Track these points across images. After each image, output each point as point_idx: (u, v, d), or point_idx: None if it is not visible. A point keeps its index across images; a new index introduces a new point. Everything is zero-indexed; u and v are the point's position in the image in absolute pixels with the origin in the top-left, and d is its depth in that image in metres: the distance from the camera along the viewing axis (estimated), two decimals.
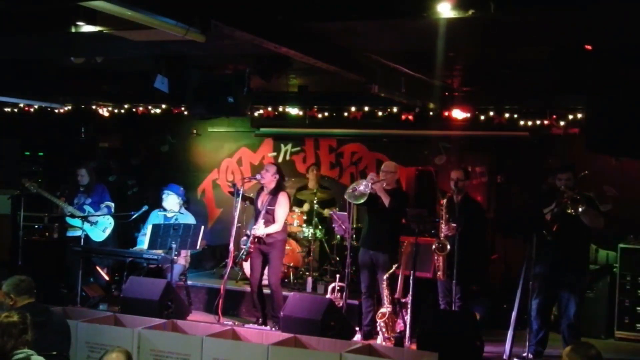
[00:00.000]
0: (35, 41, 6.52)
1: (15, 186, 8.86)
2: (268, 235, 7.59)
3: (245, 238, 7.76)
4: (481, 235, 7.41)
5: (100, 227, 8.67)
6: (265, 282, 8.02)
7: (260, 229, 7.56)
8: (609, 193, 8.55)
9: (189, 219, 8.44)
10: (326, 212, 9.22)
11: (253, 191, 9.57)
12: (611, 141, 6.05)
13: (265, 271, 7.88)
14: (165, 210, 8.41)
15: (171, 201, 8.41)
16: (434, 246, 6.95)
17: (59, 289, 8.93)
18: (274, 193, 7.72)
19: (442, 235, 6.95)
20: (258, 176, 7.82)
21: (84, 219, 8.37)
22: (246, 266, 8.52)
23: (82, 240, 8.26)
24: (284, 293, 7.81)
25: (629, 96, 6.01)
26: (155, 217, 8.43)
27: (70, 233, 8.85)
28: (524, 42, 5.91)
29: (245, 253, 7.66)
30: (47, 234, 10.20)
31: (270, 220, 7.66)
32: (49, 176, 10.59)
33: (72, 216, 8.60)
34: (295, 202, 9.34)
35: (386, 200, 7.17)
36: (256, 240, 7.62)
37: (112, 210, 8.88)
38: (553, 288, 6.73)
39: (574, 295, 6.65)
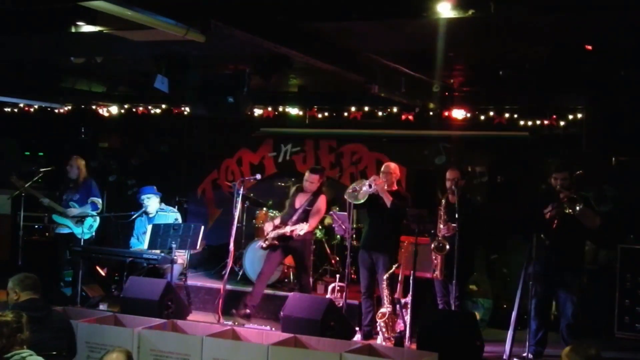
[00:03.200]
0: (35, 41, 6.52)
1: (14, 186, 8.86)
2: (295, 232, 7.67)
3: (270, 224, 7.83)
4: (480, 235, 7.41)
5: (86, 224, 8.65)
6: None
7: (298, 227, 7.60)
8: (609, 193, 8.55)
9: (173, 213, 8.45)
10: (327, 220, 9.22)
11: (253, 191, 9.60)
12: (611, 141, 6.06)
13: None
14: (147, 214, 8.40)
15: (153, 203, 8.39)
16: (432, 245, 6.94)
17: (59, 289, 8.94)
18: (315, 195, 7.78)
19: (441, 235, 6.95)
20: (258, 175, 7.83)
21: (76, 218, 8.41)
22: (248, 263, 8.56)
23: (80, 239, 8.26)
24: (284, 293, 7.82)
25: (629, 96, 6.01)
26: (141, 225, 8.41)
27: (59, 230, 8.81)
28: (524, 42, 5.91)
29: (267, 243, 7.76)
30: (47, 234, 10.20)
31: (304, 219, 7.69)
32: (48, 176, 10.59)
33: (60, 214, 8.60)
34: None
35: (388, 201, 7.17)
36: (281, 237, 7.70)
37: (99, 206, 8.84)
38: (550, 287, 6.74)
39: (570, 295, 6.66)
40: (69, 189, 8.81)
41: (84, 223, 8.60)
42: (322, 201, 7.80)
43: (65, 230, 8.68)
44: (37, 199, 8.78)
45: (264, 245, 7.84)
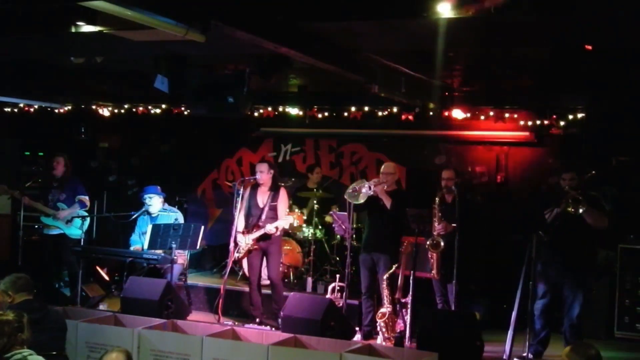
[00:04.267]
0: (35, 41, 6.52)
1: (15, 186, 8.86)
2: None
3: (241, 236, 7.76)
4: (477, 234, 7.42)
5: (76, 224, 8.63)
6: (265, 282, 8.02)
7: (283, 222, 7.64)
8: (610, 193, 8.54)
9: (176, 213, 8.45)
10: (327, 218, 9.20)
11: None
12: (611, 141, 6.05)
13: (264, 268, 7.91)
14: (149, 213, 8.40)
15: (156, 203, 8.36)
16: (427, 243, 6.94)
17: (59, 289, 8.94)
18: (274, 189, 7.78)
19: (436, 233, 6.95)
20: (258, 176, 7.83)
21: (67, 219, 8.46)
22: (246, 266, 8.53)
23: (72, 239, 8.21)
24: (284, 293, 7.81)
25: (629, 96, 6.01)
26: (144, 224, 8.41)
27: (47, 231, 8.77)
28: (524, 42, 5.91)
29: (244, 250, 7.69)
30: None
31: (273, 216, 7.70)
32: (48, 176, 10.62)
33: (46, 215, 8.60)
34: (296, 202, 9.32)
35: (387, 202, 7.17)
36: (261, 237, 7.67)
37: (87, 204, 8.82)
38: (558, 288, 6.73)
39: (578, 296, 6.65)
40: (54, 188, 8.75)
41: (74, 223, 8.59)
42: (283, 193, 7.85)
43: (55, 231, 8.65)
44: (24, 203, 8.78)
45: (241, 255, 7.80)
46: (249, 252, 7.77)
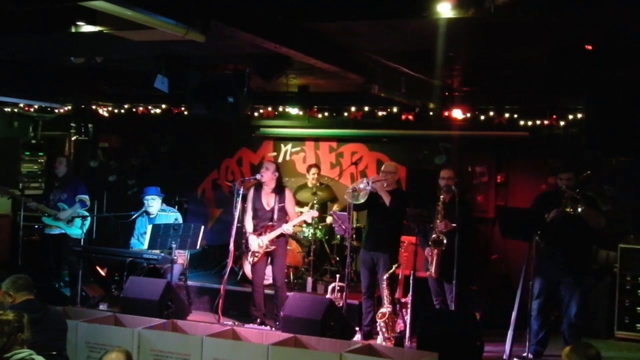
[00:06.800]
0: (35, 41, 6.52)
1: (15, 186, 8.87)
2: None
3: (254, 237, 7.73)
4: (473, 235, 7.41)
5: (77, 224, 8.64)
6: (266, 281, 8.02)
7: (306, 216, 7.91)
8: (609, 193, 8.55)
9: (175, 214, 8.45)
10: (327, 218, 9.20)
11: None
12: (611, 141, 6.05)
13: (268, 270, 7.91)
14: (148, 214, 8.39)
15: (156, 204, 8.37)
16: (430, 239, 6.93)
17: (59, 289, 8.94)
18: (279, 191, 7.77)
19: (438, 230, 6.96)
20: (258, 175, 7.82)
21: (59, 219, 8.52)
22: (247, 266, 8.53)
23: (74, 239, 8.21)
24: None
25: (629, 96, 6.01)
26: (142, 225, 8.40)
27: (48, 231, 8.80)
28: (524, 42, 5.92)
29: (261, 253, 7.69)
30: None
31: (282, 217, 7.70)
32: (48, 176, 10.62)
33: (49, 216, 8.61)
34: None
35: (387, 199, 7.18)
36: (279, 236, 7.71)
37: (87, 203, 8.84)
38: (555, 288, 6.74)
39: (575, 296, 6.66)
40: (55, 188, 8.81)
41: (75, 223, 8.60)
42: (289, 193, 7.88)
43: (56, 231, 8.67)
44: (25, 204, 8.82)
45: (257, 259, 7.74)
46: (265, 253, 7.73)
